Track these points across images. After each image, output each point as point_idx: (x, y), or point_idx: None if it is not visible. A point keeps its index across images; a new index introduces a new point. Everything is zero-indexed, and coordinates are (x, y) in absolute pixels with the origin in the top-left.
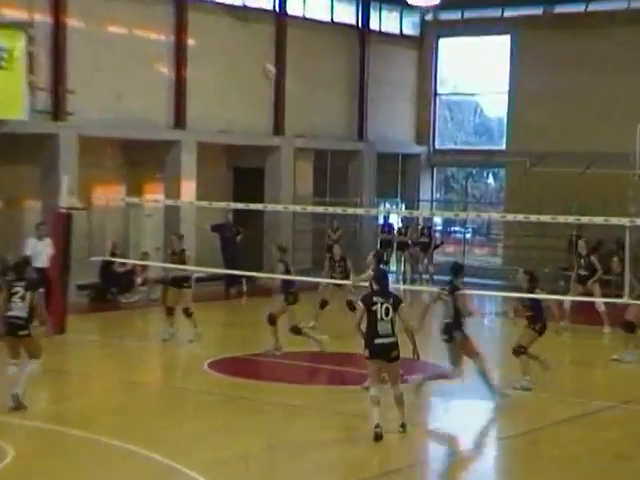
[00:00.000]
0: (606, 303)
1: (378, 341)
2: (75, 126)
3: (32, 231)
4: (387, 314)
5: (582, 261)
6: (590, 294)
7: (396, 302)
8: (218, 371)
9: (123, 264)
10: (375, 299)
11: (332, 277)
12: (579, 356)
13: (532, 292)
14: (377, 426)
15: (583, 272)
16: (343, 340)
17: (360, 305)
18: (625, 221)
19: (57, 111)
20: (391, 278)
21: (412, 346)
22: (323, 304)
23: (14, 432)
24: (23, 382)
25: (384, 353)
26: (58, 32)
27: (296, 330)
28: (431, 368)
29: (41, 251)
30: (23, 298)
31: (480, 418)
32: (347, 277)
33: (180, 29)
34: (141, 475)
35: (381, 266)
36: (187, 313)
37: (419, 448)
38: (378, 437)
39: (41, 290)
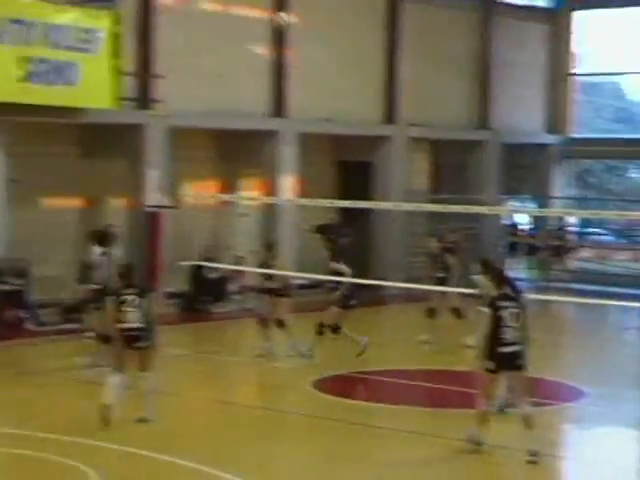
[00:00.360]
0: None
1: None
2: (164, 115)
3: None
4: (517, 319)
5: None
6: None
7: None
8: (323, 391)
9: (215, 270)
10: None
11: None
12: None
13: None
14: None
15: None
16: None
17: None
18: None
19: (144, 99)
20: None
21: None
22: (431, 313)
23: (98, 455)
24: (151, 402)
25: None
26: (146, 11)
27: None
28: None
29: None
30: (137, 306)
31: (623, 449)
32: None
33: (280, 5)
34: None
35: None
36: (280, 324)
37: None
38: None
39: (154, 294)
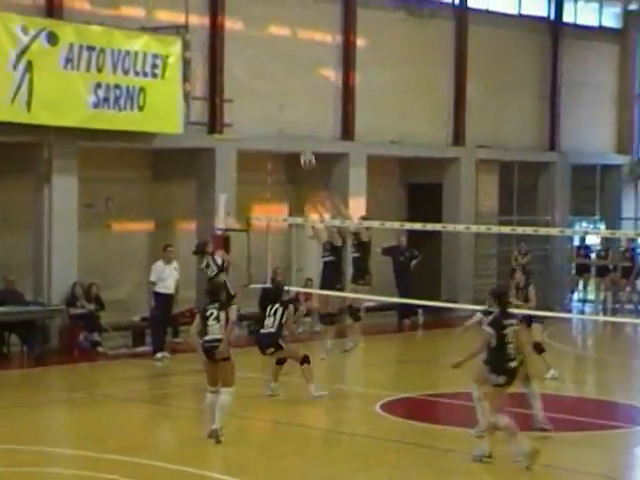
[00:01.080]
0: None
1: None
2: (233, 139)
3: (160, 254)
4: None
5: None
6: None
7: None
8: (392, 414)
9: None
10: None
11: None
12: None
13: None
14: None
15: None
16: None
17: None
18: None
19: (213, 123)
20: (589, 308)
21: None
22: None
23: (167, 477)
24: (218, 415)
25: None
26: (215, 36)
27: None
28: None
29: (167, 276)
30: (218, 319)
31: None
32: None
33: (348, 29)
34: None
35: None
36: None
37: None
38: None
39: (234, 306)
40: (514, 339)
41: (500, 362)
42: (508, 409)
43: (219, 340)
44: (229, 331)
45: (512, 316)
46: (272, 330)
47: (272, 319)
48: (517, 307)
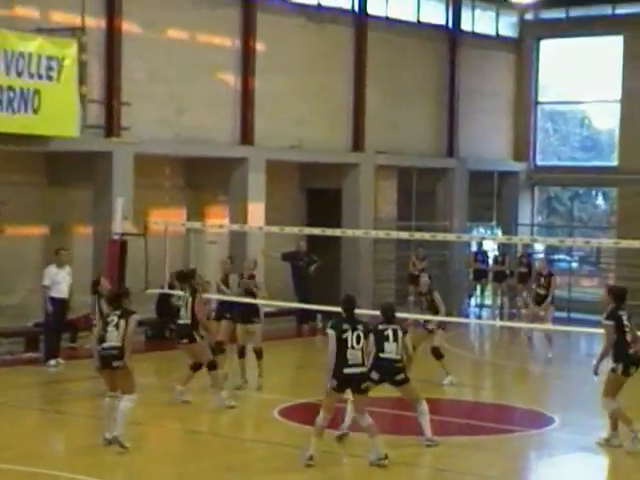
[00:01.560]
0: None
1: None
2: (131, 143)
3: (53, 258)
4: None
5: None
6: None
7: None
8: (290, 419)
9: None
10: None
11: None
12: None
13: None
14: None
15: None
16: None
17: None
18: None
19: (110, 126)
20: (486, 313)
21: None
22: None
23: None
24: (119, 422)
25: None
26: (112, 38)
27: None
28: None
29: (61, 280)
30: (117, 327)
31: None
32: (435, 313)
33: (247, 34)
34: None
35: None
36: (259, 354)
37: None
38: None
39: (135, 316)
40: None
41: (336, 367)
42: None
43: (116, 348)
44: (128, 342)
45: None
46: (187, 321)
47: (185, 309)
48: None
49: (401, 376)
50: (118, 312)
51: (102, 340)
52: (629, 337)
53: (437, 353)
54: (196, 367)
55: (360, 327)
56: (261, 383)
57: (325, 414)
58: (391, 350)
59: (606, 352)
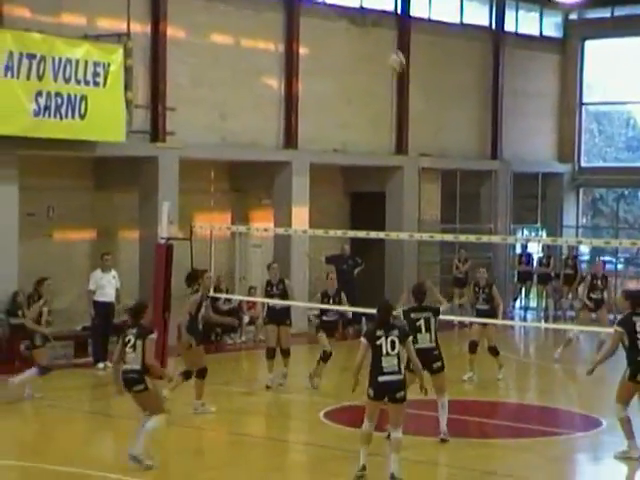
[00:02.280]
0: None
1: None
2: (176, 147)
3: (100, 262)
4: (393, 348)
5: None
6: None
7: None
8: (336, 422)
9: (229, 300)
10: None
11: (478, 312)
12: None
13: None
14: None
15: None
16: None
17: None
18: None
19: (156, 131)
20: (531, 315)
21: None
22: (472, 347)
23: None
24: (141, 440)
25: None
26: (157, 44)
27: None
28: None
29: (106, 284)
30: (135, 348)
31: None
32: (492, 306)
33: (291, 38)
34: None
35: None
36: (285, 353)
37: None
38: None
39: (152, 336)
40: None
41: (372, 375)
42: None
43: (135, 371)
44: (149, 363)
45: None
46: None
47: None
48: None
49: (438, 364)
50: (134, 331)
51: (123, 361)
52: None
53: (494, 351)
54: (200, 374)
55: (395, 332)
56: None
57: (368, 422)
58: (424, 340)
59: (607, 356)
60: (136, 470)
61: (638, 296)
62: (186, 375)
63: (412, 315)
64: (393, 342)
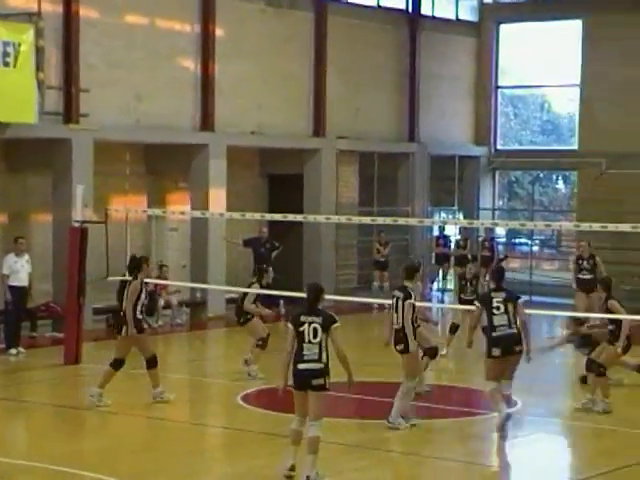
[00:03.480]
0: None
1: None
2: (90, 130)
3: (12, 246)
4: (315, 336)
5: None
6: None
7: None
8: (253, 404)
9: (146, 284)
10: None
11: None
12: None
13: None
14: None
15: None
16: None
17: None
18: None
19: (69, 113)
20: (448, 297)
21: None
22: (454, 328)
23: (29, 475)
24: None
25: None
26: (70, 24)
27: None
28: None
29: (20, 269)
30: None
31: (552, 456)
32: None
33: (207, 19)
34: None
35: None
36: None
37: None
38: None
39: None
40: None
41: (293, 363)
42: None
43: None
44: None
45: None
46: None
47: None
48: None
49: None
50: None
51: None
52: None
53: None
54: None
55: (318, 319)
56: None
57: (296, 418)
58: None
59: (472, 329)
60: (43, 455)
61: (499, 272)
62: (117, 364)
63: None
64: (315, 329)
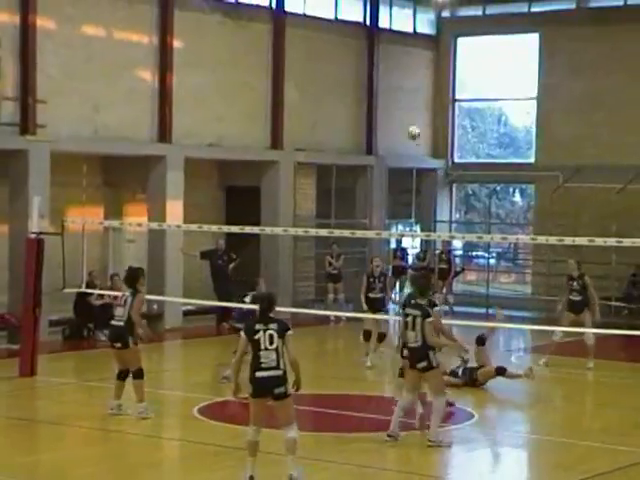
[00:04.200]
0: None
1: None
2: (47, 141)
3: None
4: (271, 342)
5: (574, 284)
6: (581, 324)
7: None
8: (210, 417)
9: (101, 296)
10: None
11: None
12: (611, 397)
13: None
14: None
15: (576, 297)
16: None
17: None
18: None
19: (26, 124)
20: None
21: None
22: (367, 335)
23: None
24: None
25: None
26: (26, 35)
27: None
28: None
29: None
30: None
31: (509, 470)
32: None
33: (165, 30)
34: None
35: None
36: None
37: None
38: None
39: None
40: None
41: (251, 371)
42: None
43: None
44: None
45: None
46: (121, 323)
47: (122, 309)
48: None
49: None
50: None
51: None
52: None
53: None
54: (122, 376)
55: (273, 326)
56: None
57: (253, 427)
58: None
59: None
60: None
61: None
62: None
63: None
64: (271, 336)
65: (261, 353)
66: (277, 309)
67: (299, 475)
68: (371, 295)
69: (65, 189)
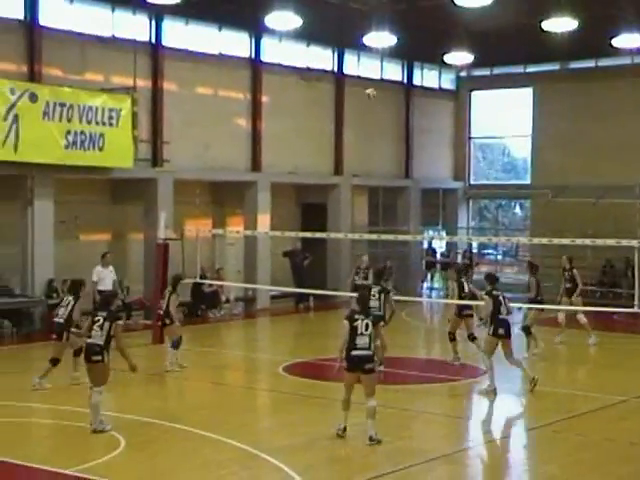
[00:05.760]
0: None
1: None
2: (171, 171)
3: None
4: (367, 329)
5: (566, 274)
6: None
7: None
8: (291, 374)
9: (210, 285)
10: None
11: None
12: (595, 357)
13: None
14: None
15: (568, 285)
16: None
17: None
18: (634, 243)
19: (156, 159)
20: (435, 294)
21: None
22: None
23: (126, 425)
24: (91, 413)
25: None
26: (156, 94)
27: (472, 338)
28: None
29: (105, 277)
30: (102, 327)
31: (508, 411)
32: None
33: (256, 89)
34: (228, 460)
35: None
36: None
37: (458, 436)
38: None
39: (120, 322)
40: (367, 331)
41: (347, 350)
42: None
43: (98, 345)
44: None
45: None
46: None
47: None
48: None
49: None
50: (104, 314)
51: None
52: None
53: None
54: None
55: (370, 318)
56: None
57: (345, 390)
58: (504, 312)
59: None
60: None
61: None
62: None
63: (494, 292)
64: (367, 324)
65: (357, 337)
66: (340, 294)
67: (377, 436)
68: (357, 282)
69: (184, 207)
